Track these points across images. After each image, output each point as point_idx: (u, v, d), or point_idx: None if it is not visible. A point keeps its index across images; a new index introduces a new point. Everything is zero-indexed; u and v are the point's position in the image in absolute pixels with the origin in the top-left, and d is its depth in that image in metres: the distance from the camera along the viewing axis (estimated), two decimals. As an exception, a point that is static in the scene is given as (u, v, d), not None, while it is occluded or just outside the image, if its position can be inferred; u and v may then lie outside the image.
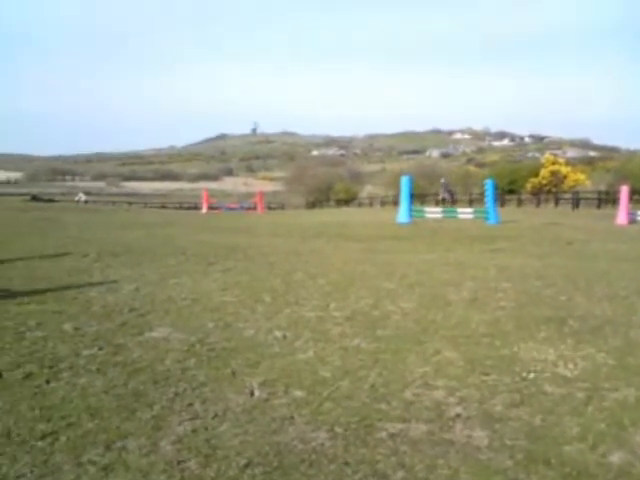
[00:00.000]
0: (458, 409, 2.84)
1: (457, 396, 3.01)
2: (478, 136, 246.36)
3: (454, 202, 39.19)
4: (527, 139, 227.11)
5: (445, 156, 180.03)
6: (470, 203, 38.53)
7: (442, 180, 43.15)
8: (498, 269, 7.47)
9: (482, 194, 23.05)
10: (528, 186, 45.37)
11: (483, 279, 6.64)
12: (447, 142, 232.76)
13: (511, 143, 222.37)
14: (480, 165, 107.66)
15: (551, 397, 3.02)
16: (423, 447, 2.44)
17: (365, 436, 2.53)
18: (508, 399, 2.98)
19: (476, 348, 3.87)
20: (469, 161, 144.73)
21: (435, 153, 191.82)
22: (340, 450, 2.39)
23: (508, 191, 43.99)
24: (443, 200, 40.16)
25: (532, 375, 3.35)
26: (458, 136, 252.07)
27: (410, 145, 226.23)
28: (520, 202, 40.11)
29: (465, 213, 20.59)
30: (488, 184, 19.85)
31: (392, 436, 2.53)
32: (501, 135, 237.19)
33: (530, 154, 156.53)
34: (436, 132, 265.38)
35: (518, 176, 48.29)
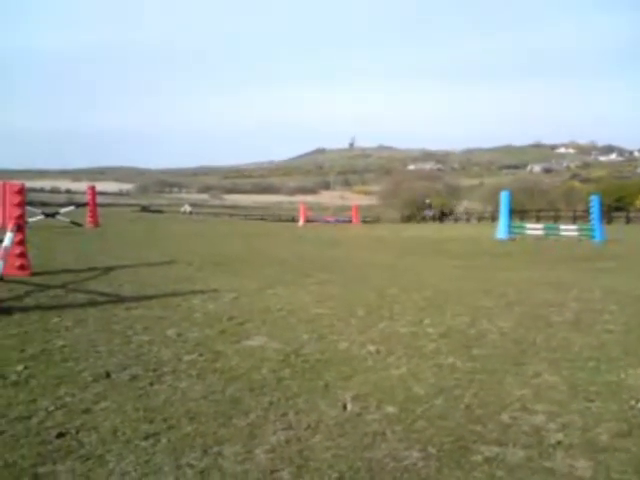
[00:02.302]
0: (559, 436, 2.71)
1: (558, 422, 2.87)
2: (583, 150, 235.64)
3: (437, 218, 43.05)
4: (637, 153, 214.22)
5: (547, 171, 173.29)
6: (574, 220, 36.88)
7: (427, 201, 47.90)
8: (604, 290, 7.08)
9: (587, 211, 21.98)
10: (638, 203, 42.87)
11: (587, 300, 6.32)
12: (550, 157, 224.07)
13: (620, 158, 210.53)
14: (585, 181, 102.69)
15: (663, 429, 2.82)
16: (521, 474, 2.34)
17: (459, 458, 2.46)
18: (615, 428, 2.80)
19: (579, 372, 3.68)
20: (573, 176, 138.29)
21: (537, 168, 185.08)
22: (433, 471, 2.35)
23: (615, 208, 41.77)
24: (424, 217, 44.98)
25: (641, 404, 3.15)
26: (562, 150, 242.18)
27: (510, 159, 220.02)
28: (629, 220, 37.95)
29: (568, 230, 19.68)
30: (594, 200, 18.93)
31: (488, 460, 2.45)
32: (609, 149, 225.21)
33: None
34: (538, 146, 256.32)
35: (627, 192, 45.82)
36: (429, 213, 45.78)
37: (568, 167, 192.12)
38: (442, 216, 45.35)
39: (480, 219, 47.96)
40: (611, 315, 5.51)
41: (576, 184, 78.76)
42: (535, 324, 5.05)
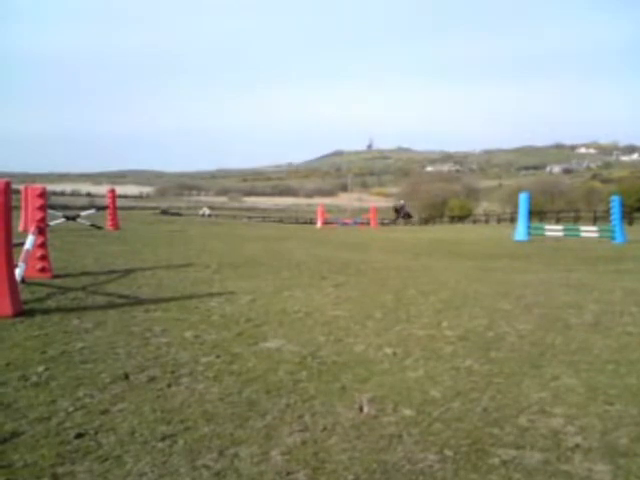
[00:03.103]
0: (577, 439, 2.69)
1: (577, 425, 2.85)
2: (605, 150, 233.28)
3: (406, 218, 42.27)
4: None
5: (567, 172, 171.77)
6: (594, 221, 36.47)
7: (401, 202, 46.26)
8: (625, 292, 6.99)
9: (607, 211, 21.75)
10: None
11: (608, 302, 6.24)
12: (570, 157, 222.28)
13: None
14: (606, 181, 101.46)
15: (684, 434, 2.77)
16: (538, 477, 2.32)
17: (476, 461, 2.45)
18: (635, 432, 2.77)
19: (599, 375, 3.64)
20: (594, 177, 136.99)
21: (556, 169, 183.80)
22: (450, 474, 2.34)
23: (637, 209, 41.21)
24: (397, 218, 42.94)
25: (662, 408, 3.10)
26: (582, 150, 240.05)
27: (530, 160, 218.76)
28: (651, 221, 37.36)
29: (589, 231, 19.46)
30: (614, 201, 18.71)
31: (505, 463, 2.44)
32: (631, 149, 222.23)
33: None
34: (558, 147, 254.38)
35: (649, 193, 45.14)
36: (401, 215, 42.92)
37: (589, 167, 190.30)
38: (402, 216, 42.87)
39: (499, 220, 47.67)
40: (631, 317, 5.45)
41: (596, 184, 77.99)
42: (554, 326, 5.01)
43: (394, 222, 42.28)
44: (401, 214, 42.91)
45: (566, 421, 2.90)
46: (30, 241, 6.56)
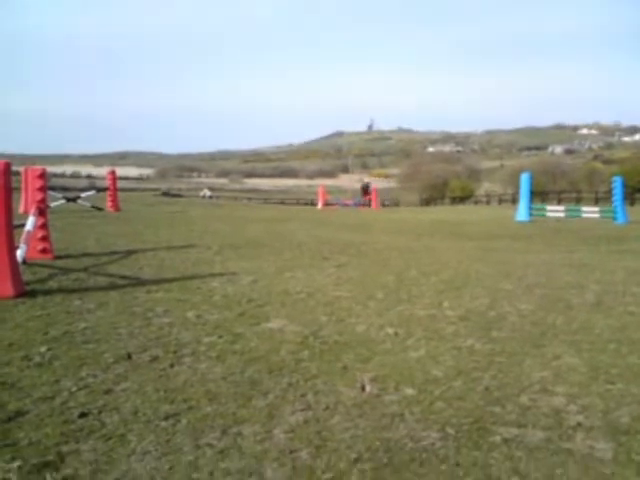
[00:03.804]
0: (579, 418, 2.70)
1: (578, 404, 2.86)
2: (607, 131, 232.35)
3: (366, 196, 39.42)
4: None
5: (569, 152, 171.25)
6: (596, 202, 36.41)
7: (366, 181, 44.86)
8: (627, 272, 6.98)
9: (609, 192, 21.70)
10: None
11: (609, 282, 6.24)
12: (572, 138, 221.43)
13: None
14: (608, 162, 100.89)
15: (686, 412, 2.78)
16: (540, 455, 2.34)
17: (478, 439, 2.46)
18: (636, 411, 2.78)
19: (600, 355, 3.65)
20: (596, 157, 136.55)
21: (558, 149, 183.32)
22: (451, 451, 2.35)
23: (639, 189, 41.11)
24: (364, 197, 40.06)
25: (664, 387, 3.11)
26: (584, 131, 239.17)
27: (531, 141, 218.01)
28: (653, 201, 37.30)
29: (590, 212, 19.42)
30: (616, 181, 18.66)
31: (506, 441, 2.45)
32: (633, 130, 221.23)
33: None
34: (560, 127, 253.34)
35: (652, 173, 44.99)
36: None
37: (590, 148, 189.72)
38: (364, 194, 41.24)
39: (501, 201, 47.58)
40: (633, 297, 5.45)
41: (598, 165, 77.70)
42: (555, 306, 5.01)
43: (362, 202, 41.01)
44: (367, 193, 42.03)
45: (568, 400, 2.91)
46: (31, 222, 6.55)
